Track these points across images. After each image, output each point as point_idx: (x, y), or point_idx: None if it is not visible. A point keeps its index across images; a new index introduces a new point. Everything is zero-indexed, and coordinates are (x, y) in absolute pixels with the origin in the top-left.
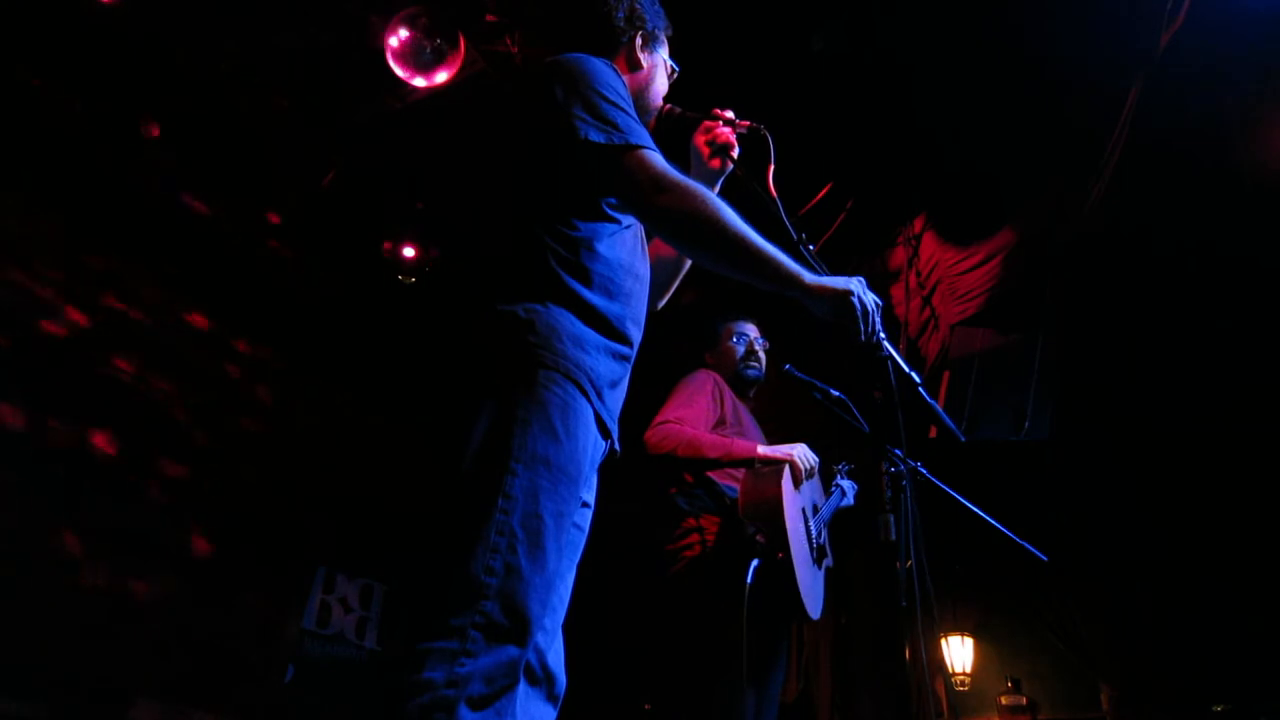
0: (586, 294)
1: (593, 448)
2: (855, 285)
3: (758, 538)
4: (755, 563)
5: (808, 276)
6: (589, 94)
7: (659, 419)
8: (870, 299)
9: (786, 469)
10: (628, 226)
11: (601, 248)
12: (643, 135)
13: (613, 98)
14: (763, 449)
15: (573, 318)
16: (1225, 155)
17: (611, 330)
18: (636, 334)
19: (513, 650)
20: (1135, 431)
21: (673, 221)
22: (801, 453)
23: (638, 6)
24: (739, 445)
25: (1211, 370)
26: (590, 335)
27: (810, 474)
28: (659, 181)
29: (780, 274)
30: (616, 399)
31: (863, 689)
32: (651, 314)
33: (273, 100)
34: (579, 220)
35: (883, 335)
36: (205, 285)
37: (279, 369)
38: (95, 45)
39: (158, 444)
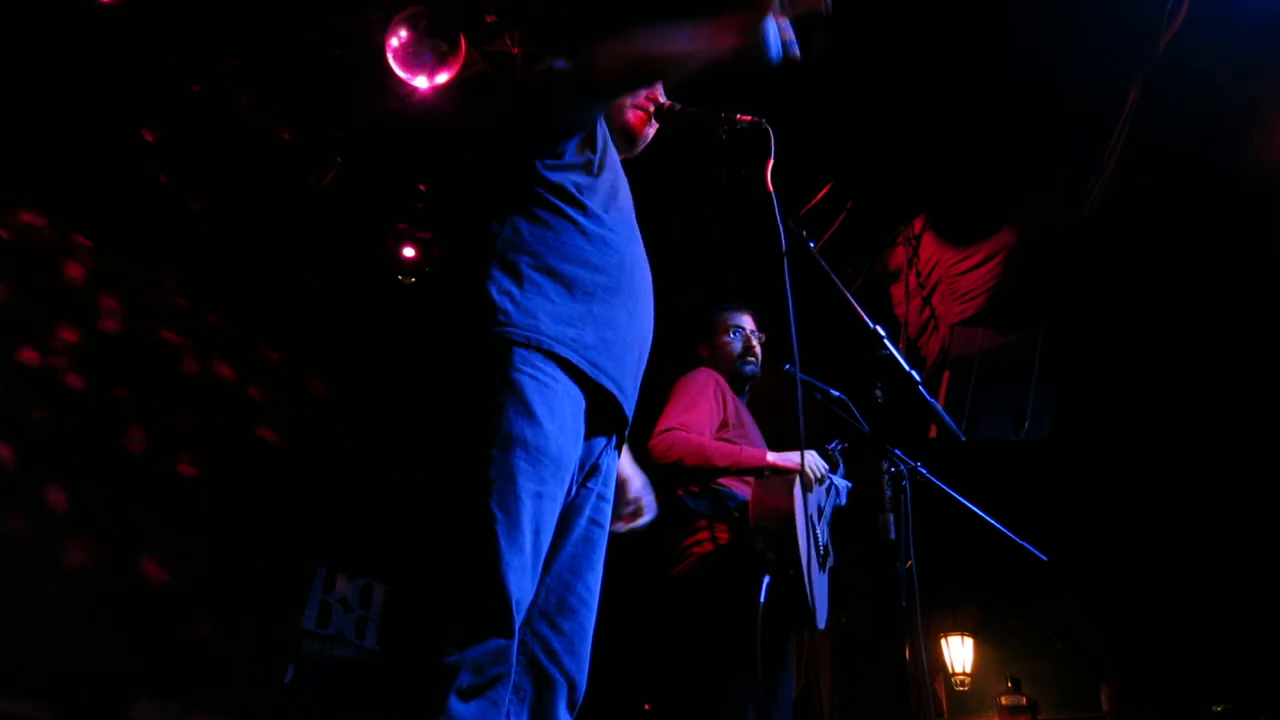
0: (563, 266)
1: (579, 423)
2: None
3: (768, 554)
4: (767, 579)
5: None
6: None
7: (663, 426)
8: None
9: (797, 479)
10: (597, 192)
11: (575, 214)
12: None
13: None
14: (771, 456)
15: (553, 289)
16: (1225, 155)
17: (593, 296)
18: (630, 302)
19: (499, 635)
20: (1135, 431)
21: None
22: (810, 461)
23: None
24: (747, 454)
25: (1211, 370)
26: (571, 306)
27: (820, 482)
28: (588, 55)
29: (701, 48)
30: (621, 362)
31: (863, 689)
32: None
33: (273, 100)
34: (548, 193)
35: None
36: (204, 286)
37: (280, 370)
38: (95, 46)
39: (158, 445)
